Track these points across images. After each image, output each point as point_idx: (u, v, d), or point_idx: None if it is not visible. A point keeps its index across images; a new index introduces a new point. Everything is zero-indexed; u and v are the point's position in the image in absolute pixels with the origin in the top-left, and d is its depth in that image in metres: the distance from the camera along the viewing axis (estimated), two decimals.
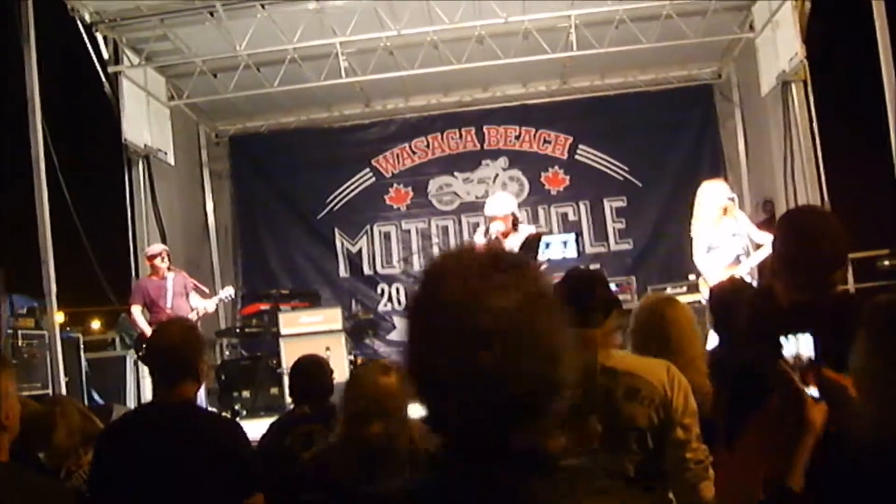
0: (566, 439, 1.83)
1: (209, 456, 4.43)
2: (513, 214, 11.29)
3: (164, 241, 13.64)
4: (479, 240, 11.61)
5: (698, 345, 5.34)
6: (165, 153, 15.14)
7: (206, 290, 12.98)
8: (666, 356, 4.62)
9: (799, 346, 2.99)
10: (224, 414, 12.18)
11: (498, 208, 11.22)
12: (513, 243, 11.21)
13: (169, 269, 12.46)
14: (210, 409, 12.01)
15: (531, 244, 4.80)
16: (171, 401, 4.62)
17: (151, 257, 12.46)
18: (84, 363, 12.80)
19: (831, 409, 2.89)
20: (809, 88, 13.22)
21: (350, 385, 5.32)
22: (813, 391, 2.94)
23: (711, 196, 10.85)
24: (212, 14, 13.23)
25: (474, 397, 1.78)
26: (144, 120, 14.51)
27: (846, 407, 2.95)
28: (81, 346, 12.90)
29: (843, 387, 3.02)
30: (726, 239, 10.69)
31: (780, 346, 3.03)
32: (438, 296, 1.84)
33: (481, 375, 1.75)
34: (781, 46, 13.71)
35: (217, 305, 13.05)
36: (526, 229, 11.60)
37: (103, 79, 13.56)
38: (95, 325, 27.28)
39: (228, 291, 12.94)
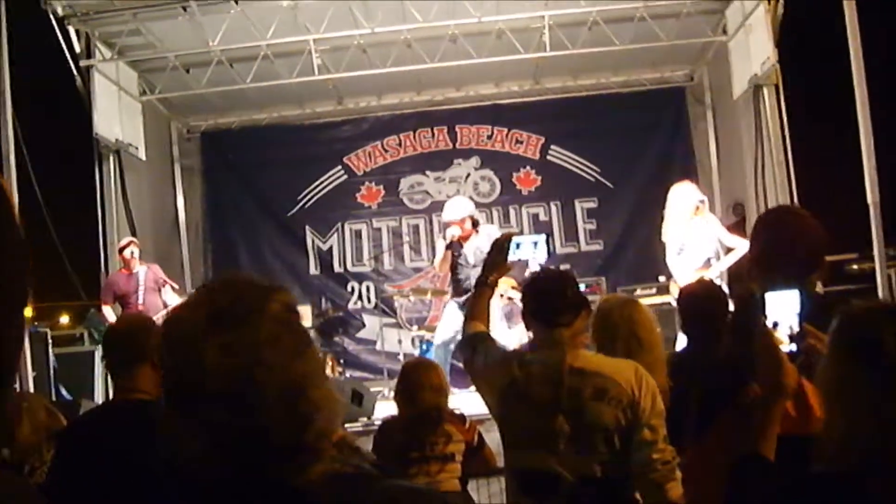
0: (331, 459, 1.90)
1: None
2: (470, 217, 11.42)
3: (134, 236, 13.51)
4: (441, 245, 11.72)
5: (659, 346, 5.35)
6: (137, 148, 15.05)
7: (177, 287, 12.91)
8: (625, 356, 4.64)
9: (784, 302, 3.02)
10: None
11: (452, 213, 11.44)
12: (473, 245, 11.32)
13: (140, 261, 12.42)
14: None
15: (501, 246, 4.77)
16: (130, 397, 4.57)
17: (120, 249, 12.42)
18: (52, 358, 12.71)
19: (808, 368, 2.91)
20: (781, 92, 13.27)
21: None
22: (788, 347, 2.97)
23: (681, 198, 10.89)
24: (185, 9, 13.16)
25: (222, 451, 1.85)
26: (116, 114, 14.41)
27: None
28: (49, 341, 12.82)
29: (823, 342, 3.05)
30: (696, 241, 10.72)
31: (763, 304, 3.05)
32: (167, 356, 1.92)
33: (222, 432, 1.82)
34: (754, 50, 13.76)
35: None
36: (487, 230, 11.69)
37: (75, 73, 13.46)
38: (64, 320, 27.16)
39: None
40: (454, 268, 11.67)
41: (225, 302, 1.88)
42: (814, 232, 3.65)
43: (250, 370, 1.81)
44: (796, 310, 3.01)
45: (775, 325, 3.05)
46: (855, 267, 12.87)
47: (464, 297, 11.46)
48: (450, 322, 11.76)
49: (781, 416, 3.08)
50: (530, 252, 4.87)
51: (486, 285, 4.84)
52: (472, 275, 11.19)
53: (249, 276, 2.02)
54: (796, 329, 3.03)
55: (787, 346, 3.01)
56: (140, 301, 12.09)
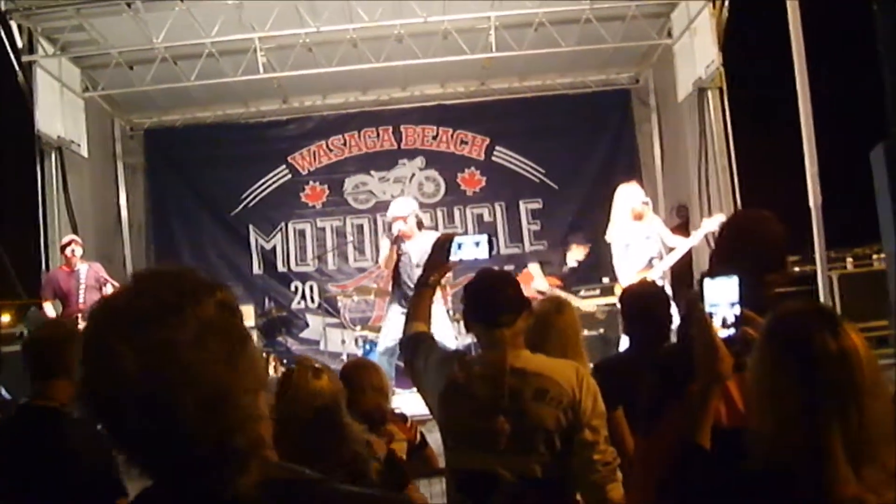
0: (264, 464, 1.85)
1: (70, 466, 4.31)
2: (415, 216, 11.47)
3: (75, 233, 13.39)
4: (386, 243, 11.75)
5: (581, 348, 5.39)
6: (79, 145, 14.88)
7: (118, 285, 12.78)
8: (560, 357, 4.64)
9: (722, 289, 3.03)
10: None
11: (397, 209, 11.54)
12: (417, 245, 11.35)
13: (82, 259, 12.31)
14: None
15: (442, 245, 4.75)
16: (39, 404, 4.52)
17: (62, 247, 12.31)
18: None
19: (745, 355, 2.92)
20: (725, 95, 13.37)
21: (282, 389, 5.39)
22: (726, 332, 2.99)
23: (626, 198, 10.95)
24: (129, 5, 13.04)
25: (141, 454, 1.79)
26: (58, 111, 14.24)
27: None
28: None
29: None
30: (640, 242, 10.78)
31: (702, 290, 3.06)
32: (84, 358, 1.81)
33: (134, 436, 1.75)
34: (698, 53, 13.85)
35: None
36: (432, 234, 11.73)
37: (17, 68, 13.31)
38: (4, 318, 26.87)
39: None
40: (397, 266, 11.66)
41: (148, 301, 1.78)
42: (774, 234, 3.68)
43: (168, 375, 1.71)
44: (735, 296, 3.03)
45: (712, 313, 3.06)
46: (797, 269, 12.99)
47: (404, 298, 11.49)
48: (392, 324, 11.74)
49: (727, 410, 3.10)
50: (472, 252, 4.85)
51: (427, 286, 4.81)
52: (414, 274, 11.21)
53: (186, 271, 1.90)
54: (735, 315, 3.04)
55: (724, 332, 3.02)
56: (81, 300, 11.98)
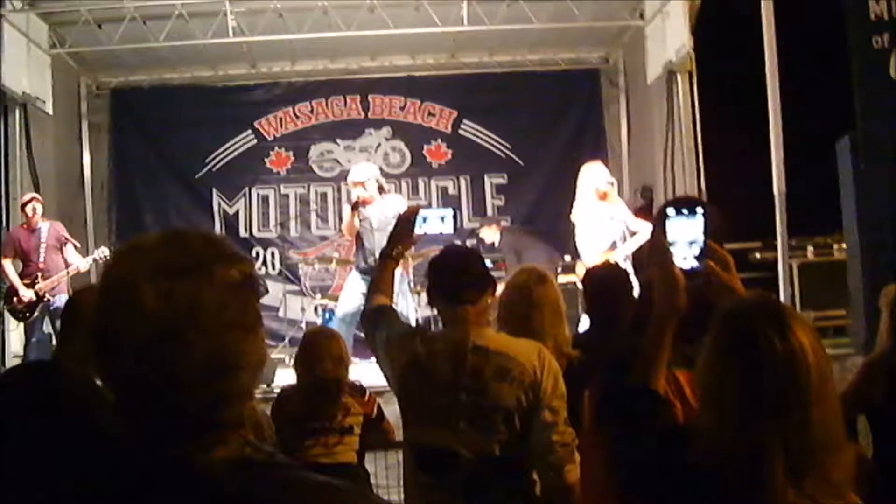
0: (235, 445, 1.84)
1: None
2: (376, 181, 11.52)
3: (37, 191, 13.31)
4: (347, 209, 11.79)
5: (562, 324, 5.36)
6: (44, 102, 14.75)
7: (79, 245, 12.71)
8: (529, 335, 4.64)
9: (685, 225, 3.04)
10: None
11: (356, 175, 11.62)
12: (378, 209, 11.39)
13: (43, 218, 12.22)
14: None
15: (407, 219, 4.74)
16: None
17: (22, 205, 12.21)
18: None
19: (707, 289, 2.94)
20: (695, 79, 13.40)
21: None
22: (690, 264, 2.99)
23: (591, 178, 10.95)
24: None
25: (131, 405, 1.80)
26: (24, 67, 14.10)
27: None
28: None
29: (725, 261, 3.07)
30: (603, 223, 10.79)
31: (664, 224, 3.05)
32: (103, 294, 1.83)
33: (132, 382, 1.77)
34: (670, 36, 13.86)
35: (90, 265, 12.73)
36: (393, 198, 11.79)
37: None
38: None
39: (103, 251, 12.59)
40: (359, 233, 11.67)
41: (179, 252, 1.82)
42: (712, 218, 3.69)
43: (182, 324, 1.73)
44: (699, 234, 3.02)
45: (673, 243, 3.05)
46: (758, 255, 13.10)
47: (365, 266, 11.51)
48: (351, 292, 11.76)
49: (682, 407, 3.10)
50: (437, 226, 4.84)
51: (390, 258, 4.80)
52: (374, 239, 11.24)
53: (220, 237, 1.95)
54: (699, 248, 3.04)
55: (688, 264, 3.02)
56: (41, 259, 11.90)
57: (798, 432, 2.45)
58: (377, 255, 10.85)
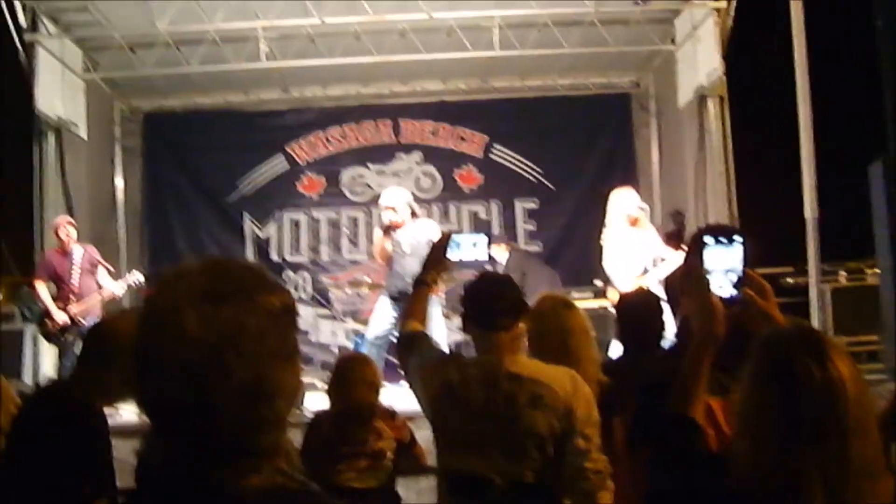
0: (269, 473, 1.85)
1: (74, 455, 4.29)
2: (407, 205, 11.53)
3: (70, 215, 13.36)
4: (378, 233, 11.80)
5: (591, 350, 5.34)
6: (77, 126, 14.84)
7: (112, 269, 12.77)
8: (564, 362, 4.63)
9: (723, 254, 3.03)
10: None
11: (387, 199, 11.62)
12: (408, 234, 11.41)
13: (76, 241, 12.28)
14: None
15: (440, 244, 4.76)
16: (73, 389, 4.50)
17: (55, 228, 12.27)
18: None
19: (745, 317, 2.93)
20: (726, 104, 13.38)
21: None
22: (728, 293, 2.98)
23: (622, 203, 10.94)
24: None
25: (169, 429, 1.83)
26: (58, 91, 14.19)
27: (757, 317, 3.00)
28: None
29: (763, 289, 3.06)
30: (635, 248, 10.77)
31: (702, 252, 3.05)
32: (146, 319, 1.86)
33: (171, 406, 1.79)
34: (701, 60, 13.83)
35: (124, 290, 12.78)
36: (425, 222, 11.79)
37: (19, 47, 13.29)
38: None
39: (137, 276, 12.66)
40: (390, 257, 11.68)
41: (222, 280, 1.86)
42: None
43: (224, 348, 1.76)
44: (738, 262, 3.02)
45: (710, 271, 3.05)
46: (790, 280, 13.01)
47: (395, 290, 11.52)
48: (382, 317, 11.77)
49: (715, 434, 3.08)
50: (470, 252, 4.85)
51: (424, 284, 4.81)
52: (406, 264, 11.25)
53: (260, 267, 2.01)
54: (737, 276, 3.03)
55: (725, 292, 3.01)
56: (74, 282, 11.95)
57: (836, 461, 2.44)
58: (408, 280, 10.91)
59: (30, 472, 4.18)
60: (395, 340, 11.33)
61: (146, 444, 1.87)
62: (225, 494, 1.78)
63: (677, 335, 4.11)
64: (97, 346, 4.54)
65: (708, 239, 3.06)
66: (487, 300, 4.34)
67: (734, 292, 3.03)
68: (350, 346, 13.98)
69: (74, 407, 4.35)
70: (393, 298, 11.62)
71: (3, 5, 12.92)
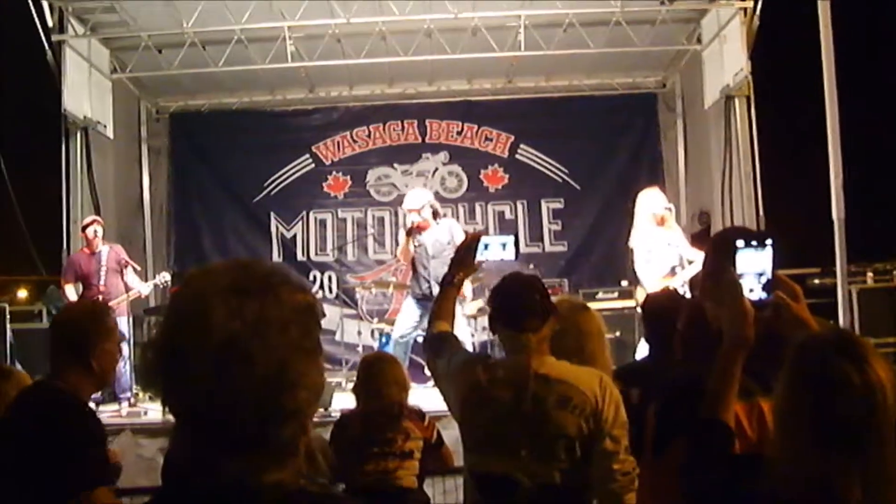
0: (290, 471, 1.88)
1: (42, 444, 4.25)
2: (430, 207, 11.57)
3: (97, 214, 13.43)
4: (403, 235, 11.85)
5: (605, 353, 5.32)
6: (105, 126, 14.94)
7: (139, 268, 12.82)
8: (582, 364, 4.63)
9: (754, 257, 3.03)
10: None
11: (411, 202, 11.70)
12: (432, 236, 11.45)
13: (103, 241, 12.32)
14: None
15: (468, 245, 4.76)
16: (56, 384, 4.49)
17: (83, 227, 12.31)
18: (9, 333, 12.64)
19: (776, 321, 2.93)
20: (752, 104, 13.35)
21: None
22: (758, 295, 2.98)
23: (648, 204, 10.91)
24: None
25: (190, 416, 1.85)
26: (85, 91, 14.29)
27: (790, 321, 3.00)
28: (7, 316, 12.75)
29: (794, 292, 3.06)
30: (661, 249, 10.73)
31: (734, 255, 3.04)
32: (173, 311, 1.91)
33: (195, 395, 1.81)
34: (727, 61, 13.82)
35: (151, 290, 12.84)
36: (448, 223, 11.81)
37: (46, 47, 13.36)
38: (22, 294, 26.96)
39: (165, 277, 12.72)
40: (414, 258, 11.71)
41: (248, 276, 1.90)
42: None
43: (248, 338, 1.80)
44: (769, 265, 3.02)
45: (742, 274, 3.04)
46: (816, 281, 12.97)
47: (420, 291, 11.56)
48: (407, 317, 11.82)
49: (739, 439, 3.08)
50: (498, 253, 4.86)
51: (451, 284, 4.80)
52: (430, 265, 11.28)
53: (285, 266, 2.03)
54: (766, 280, 3.03)
55: (756, 296, 3.01)
56: (101, 282, 11.99)
57: (874, 465, 2.44)
58: (432, 281, 10.91)
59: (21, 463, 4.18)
60: (419, 340, 11.41)
61: (172, 439, 1.89)
62: (246, 489, 1.81)
63: (689, 336, 4.11)
64: (59, 337, 4.55)
65: (740, 243, 3.05)
66: (515, 301, 4.34)
67: (765, 295, 3.02)
68: (375, 345, 13.99)
69: (60, 399, 4.36)
70: (417, 299, 11.67)
71: (32, 6, 12.97)
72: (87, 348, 4.42)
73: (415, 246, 11.65)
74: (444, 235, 11.58)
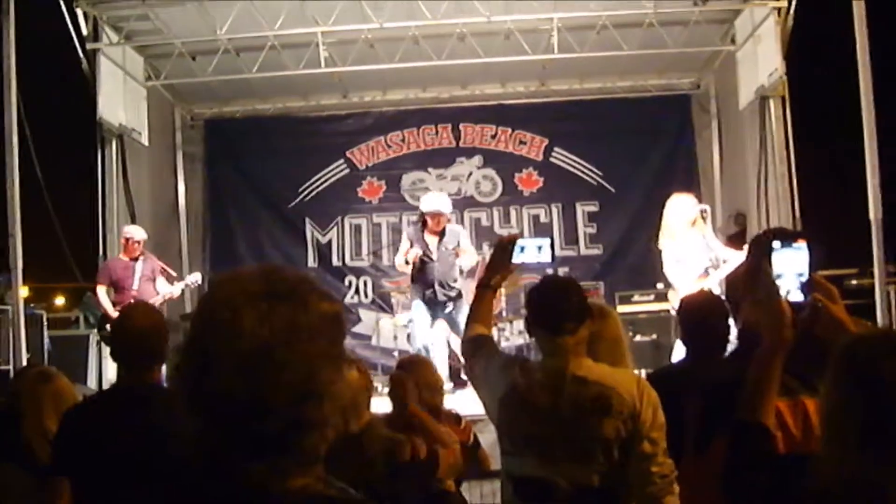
0: (313, 476, 1.90)
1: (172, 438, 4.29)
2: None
3: (133, 221, 13.54)
4: (409, 231, 11.94)
5: (625, 359, 5.29)
6: (140, 133, 15.06)
7: (174, 274, 12.89)
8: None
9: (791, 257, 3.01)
10: None
11: (442, 205, 11.84)
12: (436, 240, 11.48)
13: (141, 254, 12.38)
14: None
15: (505, 248, 4.75)
16: (140, 382, 4.53)
17: (124, 239, 12.37)
18: (46, 340, 12.71)
19: (813, 322, 2.91)
20: (787, 105, 13.28)
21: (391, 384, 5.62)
22: (795, 297, 2.95)
23: (678, 210, 10.84)
24: None
25: (215, 423, 1.85)
26: (120, 99, 14.40)
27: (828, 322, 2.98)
28: (45, 323, 12.82)
29: (830, 293, 3.04)
30: (694, 251, 10.68)
31: (770, 253, 3.03)
32: (202, 316, 1.91)
33: (222, 400, 1.81)
34: (762, 61, 13.77)
35: (183, 290, 12.89)
36: (452, 228, 11.81)
37: (81, 56, 13.46)
38: (59, 301, 27.13)
39: (195, 277, 12.81)
40: (414, 265, 11.69)
41: (276, 281, 1.90)
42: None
43: (277, 344, 1.81)
44: (805, 265, 3.00)
45: (780, 275, 3.03)
46: (854, 282, 12.89)
47: (426, 296, 11.57)
48: (424, 323, 11.80)
49: (783, 436, 3.06)
50: (534, 256, 4.84)
51: (488, 287, 4.78)
52: (435, 269, 11.32)
53: (312, 276, 2.11)
54: (803, 282, 3.01)
55: (794, 296, 2.99)
56: (134, 287, 12.07)
57: None
58: (437, 287, 10.94)
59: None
60: (451, 343, 11.45)
61: (196, 441, 1.89)
62: (270, 494, 1.83)
63: (739, 338, 4.08)
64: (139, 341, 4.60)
65: (776, 243, 3.03)
66: (552, 304, 4.32)
67: (802, 297, 3.01)
68: (411, 349, 14.00)
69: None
70: (425, 303, 11.70)
71: (66, 16, 13.07)
72: (164, 348, 4.53)
73: (417, 251, 11.63)
74: (449, 241, 11.63)
